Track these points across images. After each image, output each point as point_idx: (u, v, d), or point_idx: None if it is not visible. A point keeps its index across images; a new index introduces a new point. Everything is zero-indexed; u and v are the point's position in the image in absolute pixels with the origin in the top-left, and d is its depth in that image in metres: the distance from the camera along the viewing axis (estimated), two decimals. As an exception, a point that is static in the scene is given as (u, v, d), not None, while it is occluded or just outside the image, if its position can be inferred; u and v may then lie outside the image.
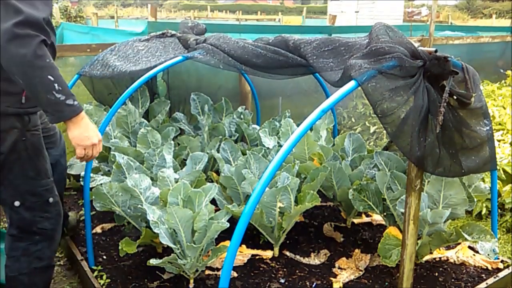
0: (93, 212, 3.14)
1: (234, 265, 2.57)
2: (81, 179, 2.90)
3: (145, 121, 3.52)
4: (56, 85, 1.69)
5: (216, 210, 2.50)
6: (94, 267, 2.58)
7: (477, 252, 2.73)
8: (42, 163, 1.99)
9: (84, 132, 1.84)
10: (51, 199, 2.04)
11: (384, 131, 4.31)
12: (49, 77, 1.67)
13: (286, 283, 2.51)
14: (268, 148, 3.18)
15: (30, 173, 1.94)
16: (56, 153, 2.56)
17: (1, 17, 1.61)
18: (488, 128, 1.97)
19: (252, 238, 2.90)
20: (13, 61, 1.63)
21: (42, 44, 1.65)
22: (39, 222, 2.01)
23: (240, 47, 2.47)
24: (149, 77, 2.56)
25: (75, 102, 1.77)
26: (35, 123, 1.95)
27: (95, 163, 3.24)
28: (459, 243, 2.82)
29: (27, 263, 2.02)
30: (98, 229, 3.01)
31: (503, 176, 3.60)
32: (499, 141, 4.19)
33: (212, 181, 3.14)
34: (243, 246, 2.77)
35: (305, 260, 2.73)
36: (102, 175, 3.18)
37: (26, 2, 1.65)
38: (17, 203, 1.94)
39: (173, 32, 3.17)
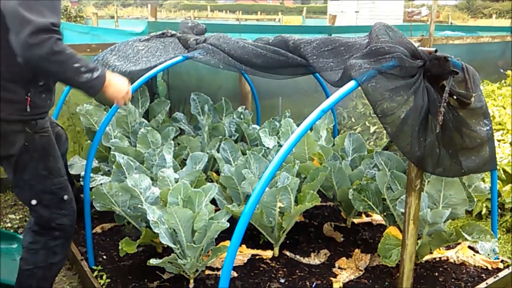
0: (94, 214, 3.13)
1: (234, 265, 2.57)
2: (81, 179, 2.90)
3: (145, 121, 3.52)
4: (82, 68, 1.86)
5: (216, 210, 2.50)
6: (94, 267, 2.58)
7: (477, 252, 2.74)
8: (53, 163, 2.06)
9: (116, 88, 2.05)
10: (65, 197, 2.12)
11: (384, 131, 4.31)
12: (74, 65, 1.83)
13: (286, 283, 2.51)
14: (268, 148, 3.18)
15: (42, 173, 2.03)
16: None
17: (12, 31, 1.71)
18: (488, 128, 1.96)
19: (252, 238, 2.90)
20: (39, 65, 1.77)
21: (57, 41, 1.76)
22: (57, 218, 2.10)
23: (240, 47, 2.47)
24: (149, 77, 2.56)
25: (99, 72, 1.93)
26: (43, 126, 2.01)
27: (95, 163, 3.24)
28: (459, 243, 2.82)
29: (45, 256, 2.11)
30: (98, 229, 3.01)
31: (503, 176, 3.60)
32: (499, 141, 4.18)
33: (212, 181, 3.14)
34: (243, 246, 2.77)
35: (305, 260, 2.73)
36: (102, 175, 3.18)
37: (31, 9, 1.71)
38: (34, 202, 2.04)
39: (173, 32, 3.17)
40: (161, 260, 2.26)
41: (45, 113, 2.02)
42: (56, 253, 2.13)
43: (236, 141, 3.65)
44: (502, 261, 2.71)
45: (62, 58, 1.78)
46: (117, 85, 2.06)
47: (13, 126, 1.91)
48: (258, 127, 3.67)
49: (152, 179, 2.69)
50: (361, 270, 2.62)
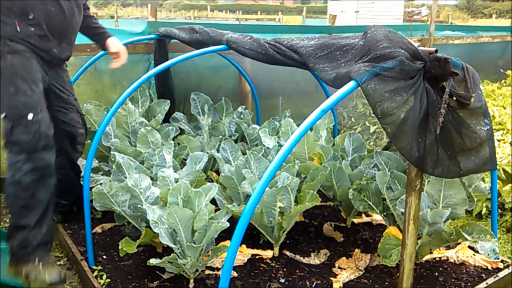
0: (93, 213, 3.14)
1: (234, 265, 2.57)
2: (81, 179, 2.90)
3: (145, 121, 3.52)
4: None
5: (216, 210, 2.50)
6: (94, 267, 2.58)
7: (477, 252, 2.73)
8: (20, 83, 2.30)
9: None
10: (30, 116, 2.27)
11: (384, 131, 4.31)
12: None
13: (286, 283, 2.51)
14: (268, 148, 3.18)
15: (10, 89, 2.27)
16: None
17: None
18: (488, 127, 1.96)
19: (252, 238, 2.90)
20: None
21: None
22: (16, 133, 2.25)
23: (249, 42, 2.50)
24: (149, 76, 2.56)
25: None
26: (18, 50, 2.30)
27: (95, 163, 3.24)
28: (459, 243, 2.82)
29: (12, 172, 2.25)
30: (98, 229, 3.00)
31: (503, 176, 3.60)
32: (499, 141, 4.18)
33: (212, 181, 3.14)
34: (243, 246, 2.77)
35: (305, 260, 2.73)
36: (102, 175, 3.18)
37: None
38: (2, 115, 2.27)
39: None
40: (161, 260, 2.26)
41: (27, 43, 2.34)
42: (21, 170, 2.23)
43: (236, 141, 3.66)
44: (502, 261, 2.71)
45: None
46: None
47: None
48: (258, 127, 3.67)
49: (152, 179, 2.69)
50: (361, 270, 2.62)
